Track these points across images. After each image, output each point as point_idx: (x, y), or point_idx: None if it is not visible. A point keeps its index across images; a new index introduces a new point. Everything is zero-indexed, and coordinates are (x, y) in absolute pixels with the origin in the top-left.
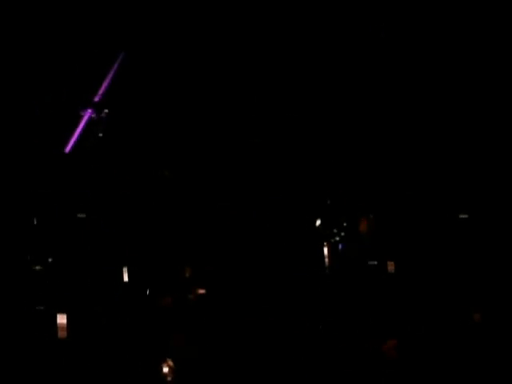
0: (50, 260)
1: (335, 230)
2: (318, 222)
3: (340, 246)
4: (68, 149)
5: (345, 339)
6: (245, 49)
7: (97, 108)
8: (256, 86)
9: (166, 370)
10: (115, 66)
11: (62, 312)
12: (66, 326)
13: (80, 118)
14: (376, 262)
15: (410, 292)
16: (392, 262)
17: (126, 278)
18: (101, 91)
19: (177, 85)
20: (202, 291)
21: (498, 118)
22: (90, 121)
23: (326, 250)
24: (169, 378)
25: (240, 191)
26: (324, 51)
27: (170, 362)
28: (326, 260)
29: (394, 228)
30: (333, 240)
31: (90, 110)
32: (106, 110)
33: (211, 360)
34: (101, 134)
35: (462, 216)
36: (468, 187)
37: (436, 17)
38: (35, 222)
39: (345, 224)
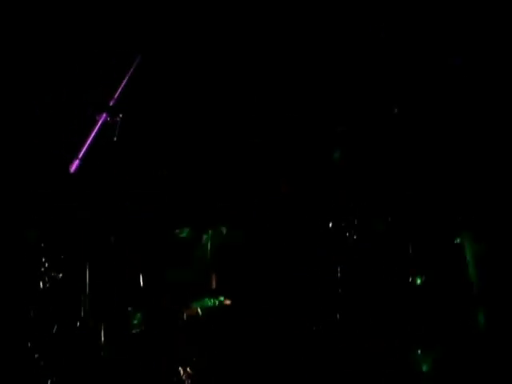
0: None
1: (347, 234)
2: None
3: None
4: (82, 153)
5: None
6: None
7: (112, 112)
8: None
9: (184, 377)
10: (131, 69)
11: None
12: None
13: (95, 122)
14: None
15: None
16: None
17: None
18: (116, 95)
19: (187, 87)
20: (227, 302)
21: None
22: (105, 125)
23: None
24: None
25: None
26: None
27: (189, 370)
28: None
29: (405, 229)
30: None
31: (104, 114)
32: (121, 115)
33: (228, 368)
34: (115, 138)
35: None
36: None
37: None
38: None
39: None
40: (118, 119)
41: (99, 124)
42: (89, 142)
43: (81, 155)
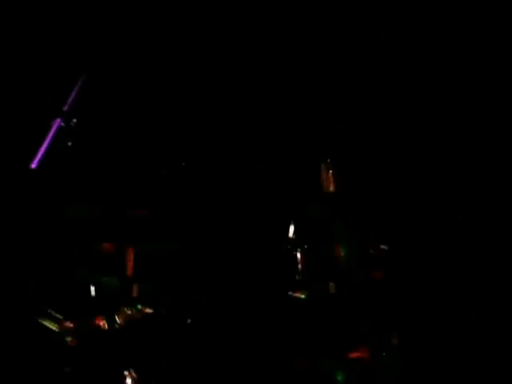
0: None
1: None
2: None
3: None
4: (37, 158)
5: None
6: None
7: (66, 117)
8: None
9: (129, 381)
10: (83, 76)
11: None
12: None
13: (49, 127)
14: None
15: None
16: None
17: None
18: (70, 100)
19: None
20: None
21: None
22: (59, 130)
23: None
24: None
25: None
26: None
27: (134, 374)
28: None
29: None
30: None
31: (58, 120)
32: (75, 120)
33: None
34: (70, 143)
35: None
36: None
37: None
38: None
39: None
40: (72, 124)
41: (56, 128)
42: (43, 149)
43: (35, 164)
